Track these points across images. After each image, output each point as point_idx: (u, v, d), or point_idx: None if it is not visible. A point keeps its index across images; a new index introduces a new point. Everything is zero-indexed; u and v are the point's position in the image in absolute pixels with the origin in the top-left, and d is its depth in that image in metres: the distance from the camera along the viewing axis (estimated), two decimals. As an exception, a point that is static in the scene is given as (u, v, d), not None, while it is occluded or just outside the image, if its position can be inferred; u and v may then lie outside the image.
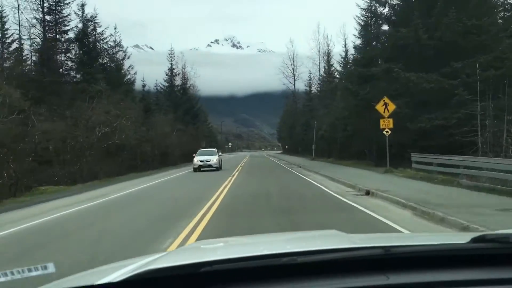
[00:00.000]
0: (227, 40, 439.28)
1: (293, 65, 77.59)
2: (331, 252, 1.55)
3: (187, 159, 51.92)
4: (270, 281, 1.38)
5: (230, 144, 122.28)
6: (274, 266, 1.44)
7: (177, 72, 58.44)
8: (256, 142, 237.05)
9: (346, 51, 59.59)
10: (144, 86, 52.50)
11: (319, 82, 67.22)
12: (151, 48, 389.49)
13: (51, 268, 1.78)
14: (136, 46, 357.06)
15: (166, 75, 57.85)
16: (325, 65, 67.07)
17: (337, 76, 62.90)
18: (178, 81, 59.13)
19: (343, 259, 1.47)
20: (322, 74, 66.73)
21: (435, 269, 1.47)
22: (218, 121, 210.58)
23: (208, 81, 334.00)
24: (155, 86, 58.47)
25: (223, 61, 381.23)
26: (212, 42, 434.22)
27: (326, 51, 66.58)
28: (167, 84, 57.60)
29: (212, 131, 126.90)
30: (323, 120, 51.19)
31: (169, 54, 57.55)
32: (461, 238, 1.68)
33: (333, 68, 65.34)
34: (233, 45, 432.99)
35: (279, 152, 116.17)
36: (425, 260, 1.51)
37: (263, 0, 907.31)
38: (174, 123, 48.03)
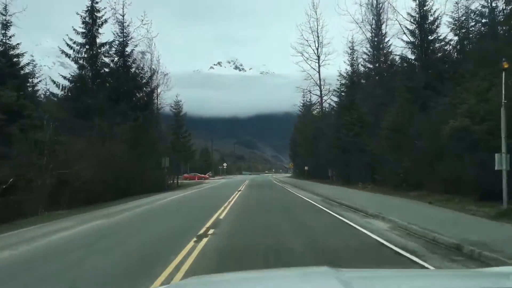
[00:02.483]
0: (229, 63, 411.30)
1: (318, 42, 46.96)
2: None
3: (99, 196, 20.58)
4: None
5: (225, 164, 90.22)
6: None
7: (103, 17, 27.33)
8: (258, 164, 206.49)
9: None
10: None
11: (369, 53, 36.01)
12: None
13: None
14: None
15: (83, 22, 26.88)
16: (372, 34, 36.37)
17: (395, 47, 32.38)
18: (108, 36, 28.14)
19: None
20: (370, 37, 35.83)
21: None
22: (220, 143, 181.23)
23: (211, 102, 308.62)
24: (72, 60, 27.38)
25: (226, 83, 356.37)
26: (215, 64, 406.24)
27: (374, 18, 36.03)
28: (82, 41, 26.69)
29: (208, 149, 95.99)
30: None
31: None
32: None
33: (388, 39, 34.75)
34: (236, 67, 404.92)
35: (288, 175, 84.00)
36: None
37: (267, 23, 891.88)
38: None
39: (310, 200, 18.07)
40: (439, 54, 29.43)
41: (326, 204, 15.93)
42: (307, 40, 47.01)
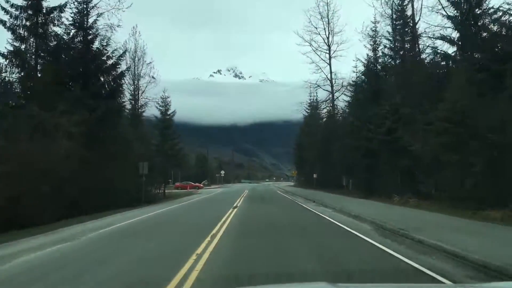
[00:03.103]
0: (229, 70, 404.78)
1: (329, 30, 39.97)
2: None
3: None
4: None
5: (222, 172, 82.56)
6: None
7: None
8: (257, 172, 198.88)
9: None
10: None
11: (391, 38, 28.70)
12: (153, 77, 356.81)
13: None
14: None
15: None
16: (395, 18, 29.21)
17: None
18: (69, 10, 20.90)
19: None
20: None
21: None
22: (218, 150, 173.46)
23: (210, 110, 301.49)
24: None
25: (225, 91, 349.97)
26: (214, 72, 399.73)
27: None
28: (23, 3, 19.49)
29: (204, 156, 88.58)
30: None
31: None
32: None
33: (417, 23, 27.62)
34: (235, 75, 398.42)
35: (291, 184, 76.49)
36: None
37: (267, 31, 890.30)
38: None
39: (354, 231, 10.47)
40: (495, 29, 22.31)
41: (400, 247, 8.14)
42: (316, 28, 40.01)
